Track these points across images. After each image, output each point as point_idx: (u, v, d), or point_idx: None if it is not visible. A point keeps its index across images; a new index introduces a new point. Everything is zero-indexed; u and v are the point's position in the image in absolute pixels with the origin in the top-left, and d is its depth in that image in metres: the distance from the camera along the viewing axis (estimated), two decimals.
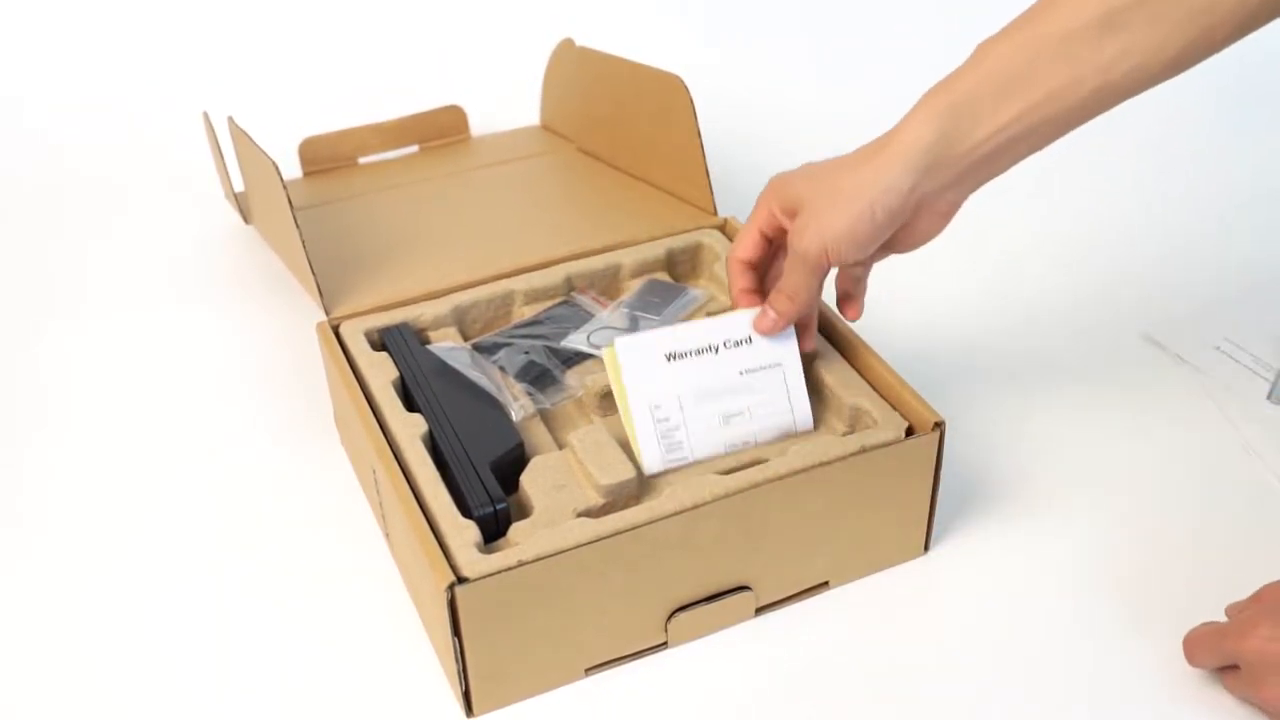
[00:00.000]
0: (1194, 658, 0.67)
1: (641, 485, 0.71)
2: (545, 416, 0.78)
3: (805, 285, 0.71)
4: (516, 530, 0.68)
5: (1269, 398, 0.87)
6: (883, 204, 0.67)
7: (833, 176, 0.68)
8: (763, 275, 0.76)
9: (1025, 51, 0.65)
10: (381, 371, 0.77)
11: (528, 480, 0.71)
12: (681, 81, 0.90)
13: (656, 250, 0.88)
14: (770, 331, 0.73)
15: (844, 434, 0.74)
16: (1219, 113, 1.21)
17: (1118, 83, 0.65)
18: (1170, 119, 1.21)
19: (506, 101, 1.16)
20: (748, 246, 0.74)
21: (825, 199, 0.68)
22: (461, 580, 0.63)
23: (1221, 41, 0.64)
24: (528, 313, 0.84)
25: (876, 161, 0.67)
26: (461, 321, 0.83)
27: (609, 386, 0.75)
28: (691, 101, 0.89)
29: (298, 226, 0.81)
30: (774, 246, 0.75)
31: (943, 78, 0.67)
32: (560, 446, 0.75)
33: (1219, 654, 0.66)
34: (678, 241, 0.89)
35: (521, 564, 0.64)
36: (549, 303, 0.85)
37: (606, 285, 0.87)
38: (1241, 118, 1.21)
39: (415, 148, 1.13)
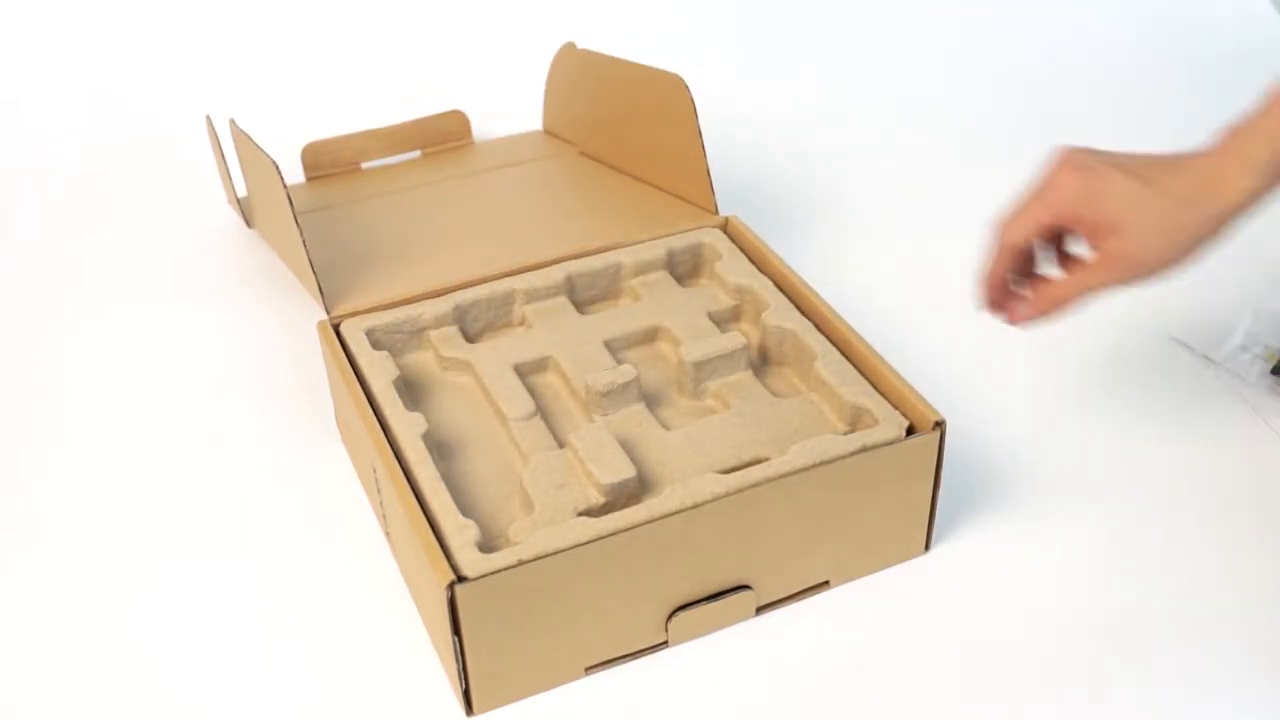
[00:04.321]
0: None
1: (642, 485, 0.71)
2: (546, 415, 0.77)
3: (1091, 294, 0.69)
4: (517, 528, 0.68)
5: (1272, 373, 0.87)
6: (1196, 254, 0.67)
7: (1162, 214, 0.66)
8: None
9: None
10: (382, 371, 0.77)
11: (528, 479, 0.71)
12: (682, 81, 0.90)
13: (657, 250, 0.87)
14: (1021, 322, 0.72)
15: (845, 433, 0.74)
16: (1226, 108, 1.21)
17: None
18: (1180, 115, 1.21)
19: (509, 107, 1.16)
20: (1024, 234, 0.69)
21: (1152, 234, 0.67)
22: (461, 579, 0.63)
23: None
24: (528, 312, 0.84)
25: (1197, 211, 0.66)
26: (462, 320, 0.83)
27: (610, 385, 0.75)
28: (692, 101, 0.89)
29: (298, 224, 0.81)
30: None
31: (1246, 121, 0.66)
32: (561, 446, 0.74)
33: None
34: (678, 241, 0.88)
35: (521, 563, 0.64)
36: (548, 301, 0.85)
37: (608, 285, 0.87)
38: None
39: (418, 153, 1.13)
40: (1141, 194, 0.66)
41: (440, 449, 0.75)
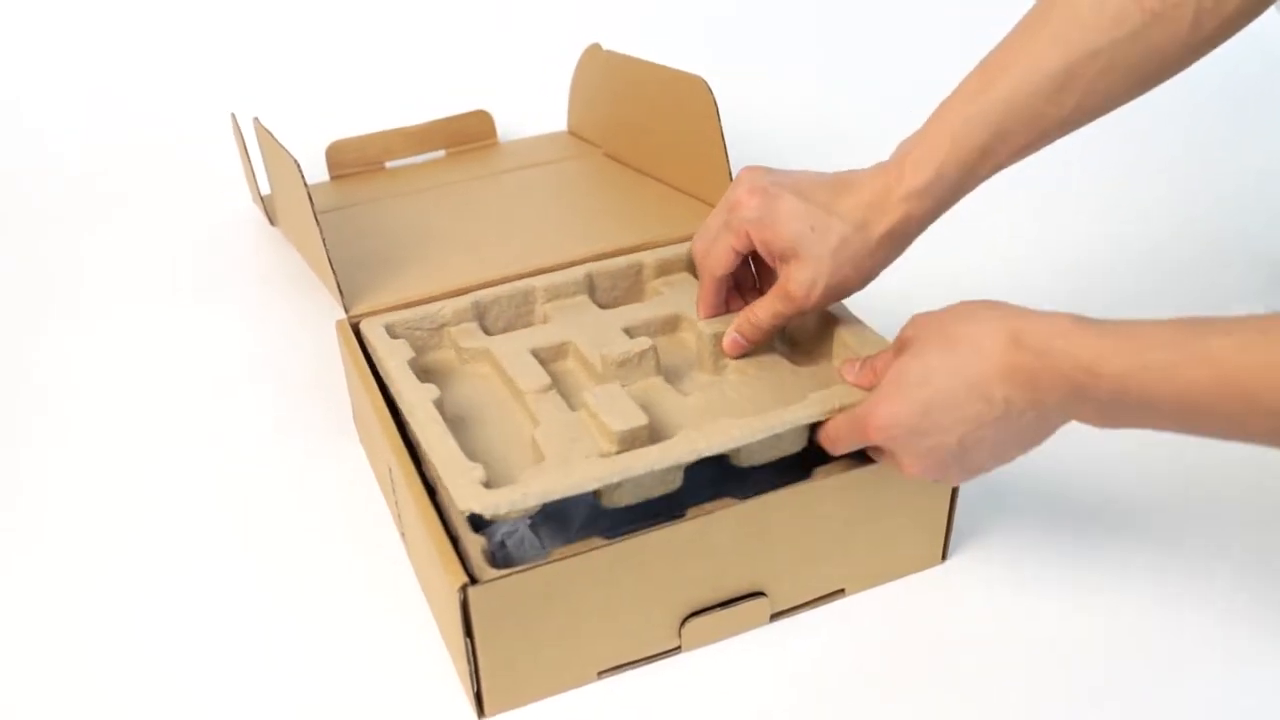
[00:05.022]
0: (836, 447, 0.69)
1: (655, 436, 0.69)
2: (562, 390, 0.75)
3: (782, 320, 0.74)
4: (526, 474, 0.66)
5: None
6: (872, 273, 0.73)
7: (826, 233, 0.71)
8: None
9: (991, 120, 0.69)
10: (398, 354, 0.76)
11: (540, 436, 0.69)
12: (704, 83, 0.89)
13: (679, 251, 0.87)
14: (739, 355, 0.76)
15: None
16: (1233, 107, 1.20)
17: (1075, 123, 0.70)
18: (1182, 113, 1.19)
19: (535, 108, 1.16)
20: (725, 264, 0.75)
21: (828, 259, 0.71)
22: (474, 581, 0.63)
23: (1170, 74, 0.69)
24: (549, 310, 0.83)
25: (868, 232, 0.71)
26: (483, 318, 0.82)
27: (626, 354, 0.74)
28: (714, 102, 0.89)
29: (317, 222, 0.81)
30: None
31: (910, 145, 0.70)
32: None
33: (856, 442, 0.67)
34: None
35: (535, 567, 0.63)
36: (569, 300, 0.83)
37: (629, 285, 0.86)
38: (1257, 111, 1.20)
39: (442, 152, 1.13)
40: (816, 219, 0.71)
41: (454, 422, 0.72)
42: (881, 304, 0.80)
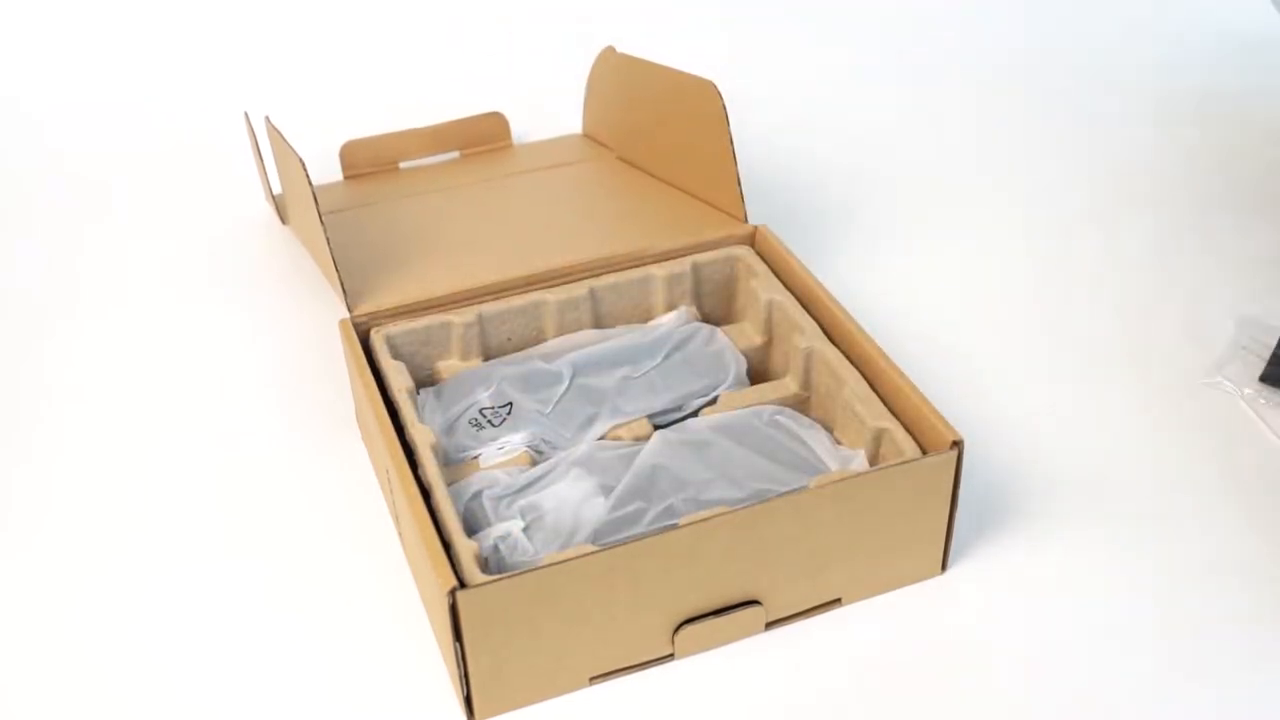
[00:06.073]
0: None
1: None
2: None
3: None
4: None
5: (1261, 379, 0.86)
6: None
7: None
8: None
9: None
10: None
11: None
12: (715, 87, 0.89)
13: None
14: None
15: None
16: (1230, 104, 1.18)
17: None
18: (1185, 113, 1.18)
19: (550, 110, 1.16)
20: None
21: None
22: (464, 585, 0.62)
23: None
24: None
25: None
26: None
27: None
28: (724, 108, 0.88)
29: (321, 221, 0.81)
30: None
31: None
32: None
33: None
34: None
35: (526, 571, 0.63)
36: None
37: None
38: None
39: (456, 154, 1.13)
40: None
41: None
42: (881, 306, 0.79)
